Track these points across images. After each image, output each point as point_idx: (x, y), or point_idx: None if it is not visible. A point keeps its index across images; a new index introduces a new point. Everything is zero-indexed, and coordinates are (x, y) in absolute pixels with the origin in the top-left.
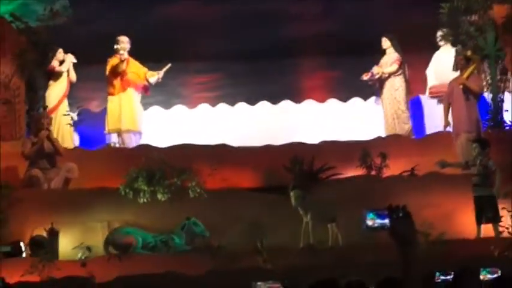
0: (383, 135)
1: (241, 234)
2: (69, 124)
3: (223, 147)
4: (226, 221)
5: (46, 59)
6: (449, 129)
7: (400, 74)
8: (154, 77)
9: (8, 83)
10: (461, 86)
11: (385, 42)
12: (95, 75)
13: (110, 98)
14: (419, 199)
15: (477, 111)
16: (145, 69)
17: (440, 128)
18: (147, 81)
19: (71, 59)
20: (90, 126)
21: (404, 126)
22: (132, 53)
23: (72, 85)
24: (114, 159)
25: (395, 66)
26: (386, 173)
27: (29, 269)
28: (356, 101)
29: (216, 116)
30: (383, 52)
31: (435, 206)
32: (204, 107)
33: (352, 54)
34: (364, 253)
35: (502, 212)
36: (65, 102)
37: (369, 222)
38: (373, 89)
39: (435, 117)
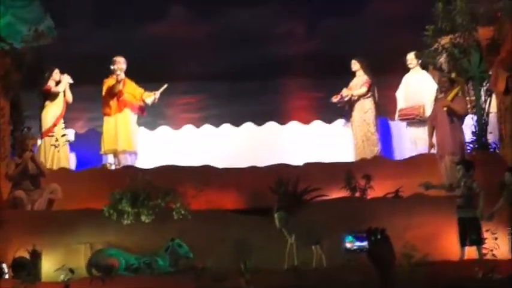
0: (354, 158)
1: (225, 256)
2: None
3: (207, 168)
4: (211, 243)
5: (33, 79)
6: (434, 151)
7: (369, 97)
8: (151, 97)
9: None
10: (445, 108)
11: (355, 65)
12: (80, 96)
13: (106, 118)
14: (404, 221)
15: (461, 133)
16: (141, 90)
17: (410, 150)
18: (143, 101)
19: (67, 79)
20: (75, 148)
21: (374, 149)
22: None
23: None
24: (98, 181)
25: (364, 89)
26: (371, 194)
27: None
28: (341, 122)
29: (201, 137)
30: (353, 74)
31: (419, 228)
32: (189, 128)
33: (338, 75)
34: (348, 274)
35: (486, 234)
36: (61, 122)
37: (348, 245)
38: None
39: (404, 140)
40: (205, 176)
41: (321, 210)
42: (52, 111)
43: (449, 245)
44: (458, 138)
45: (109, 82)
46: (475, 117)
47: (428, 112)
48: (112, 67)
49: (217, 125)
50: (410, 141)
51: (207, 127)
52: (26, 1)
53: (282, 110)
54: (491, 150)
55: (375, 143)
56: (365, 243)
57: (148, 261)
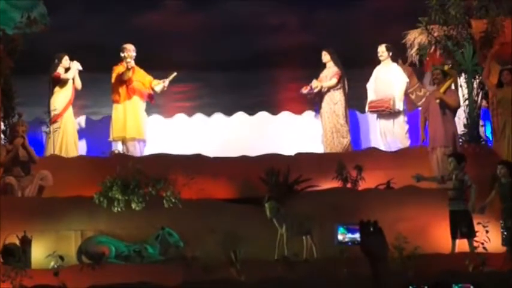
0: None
1: (215, 245)
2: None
3: (198, 157)
4: (201, 232)
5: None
6: (425, 143)
7: (339, 88)
8: (160, 85)
9: None
10: (437, 101)
11: (325, 56)
12: None
13: (115, 105)
14: (395, 212)
15: (454, 126)
16: (150, 78)
17: (378, 143)
18: (152, 89)
19: (76, 66)
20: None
21: (343, 141)
22: (110, 61)
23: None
24: (89, 168)
25: (334, 80)
26: (362, 185)
27: (1, 277)
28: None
29: (193, 126)
30: (323, 66)
31: (410, 220)
32: (181, 116)
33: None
34: (339, 266)
35: (477, 227)
36: (70, 109)
37: (340, 237)
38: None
39: (374, 132)
40: (197, 165)
41: (312, 200)
42: (61, 98)
43: (440, 237)
44: (450, 130)
45: (118, 69)
46: (467, 110)
47: (397, 105)
48: (122, 54)
49: (209, 114)
50: (380, 134)
51: (199, 116)
52: None
53: (273, 100)
54: (483, 143)
55: (344, 135)
56: (357, 235)
57: (139, 249)
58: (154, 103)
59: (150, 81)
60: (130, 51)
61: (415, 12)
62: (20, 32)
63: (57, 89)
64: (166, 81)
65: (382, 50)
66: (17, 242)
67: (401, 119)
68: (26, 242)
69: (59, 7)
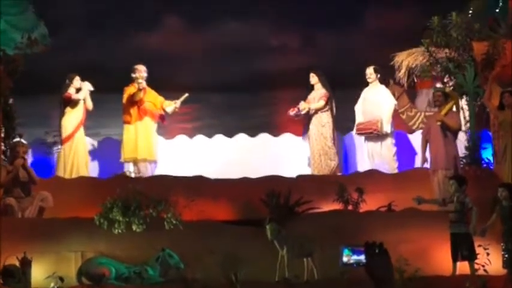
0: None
1: (216, 267)
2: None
3: (199, 179)
4: (201, 253)
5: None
6: (427, 165)
7: (327, 110)
8: (171, 106)
9: None
10: (439, 123)
11: (313, 78)
12: None
13: (126, 126)
14: (396, 235)
15: (455, 148)
16: (161, 99)
17: (367, 165)
18: (164, 110)
19: (88, 86)
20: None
21: (331, 163)
22: (112, 82)
23: (50, 114)
24: (89, 189)
25: (322, 102)
26: (363, 208)
27: None
28: None
29: (194, 148)
30: (311, 87)
31: (411, 242)
32: (182, 138)
33: (333, 87)
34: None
35: (478, 250)
36: (81, 130)
37: (345, 259)
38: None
39: (362, 154)
40: (197, 187)
41: (313, 222)
42: (72, 118)
43: (441, 260)
44: (451, 153)
45: (130, 90)
46: (469, 133)
47: (385, 127)
48: (133, 75)
49: (210, 135)
50: (368, 156)
51: (200, 137)
52: (20, 9)
53: (275, 122)
54: (484, 165)
55: (332, 157)
56: (362, 257)
57: (139, 271)
58: (166, 124)
59: (161, 102)
60: (141, 72)
61: (417, 33)
62: (20, 52)
63: (68, 109)
64: (178, 102)
65: (370, 71)
66: (17, 263)
67: (389, 141)
68: (26, 263)
69: (59, 27)
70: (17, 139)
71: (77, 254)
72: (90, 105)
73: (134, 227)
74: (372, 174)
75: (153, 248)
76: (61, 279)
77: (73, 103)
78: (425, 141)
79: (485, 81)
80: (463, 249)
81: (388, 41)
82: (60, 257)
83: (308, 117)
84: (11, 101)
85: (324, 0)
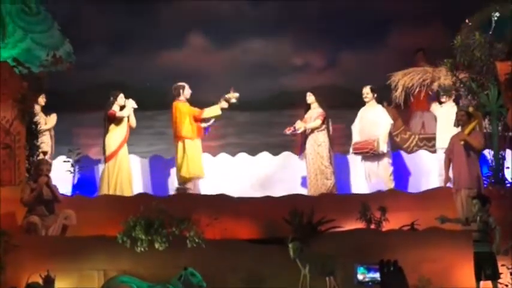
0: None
1: (238, 285)
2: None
3: (222, 197)
4: (224, 272)
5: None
6: (450, 184)
7: (323, 130)
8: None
9: (9, 128)
10: (462, 142)
11: (310, 97)
12: (94, 121)
13: (188, 142)
14: (419, 254)
15: (478, 168)
16: (197, 110)
17: (363, 186)
18: (201, 121)
19: (131, 104)
20: (89, 172)
21: (327, 182)
22: (134, 99)
23: (73, 132)
24: (112, 207)
25: (318, 122)
26: (386, 226)
27: None
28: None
29: (217, 166)
30: (308, 107)
31: (434, 261)
32: (205, 156)
33: (355, 107)
34: None
35: (502, 269)
36: (125, 147)
37: (360, 277)
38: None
39: (360, 174)
40: (220, 205)
41: (336, 241)
42: (115, 136)
43: (464, 279)
44: (474, 172)
45: (183, 106)
46: (492, 152)
47: (382, 146)
48: (181, 91)
49: (233, 154)
50: (365, 176)
51: (223, 156)
52: (45, 26)
53: (298, 141)
54: (508, 185)
55: (329, 176)
56: (377, 275)
57: None
58: (208, 133)
59: (198, 115)
60: (187, 89)
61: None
62: (45, 70)
63: (112, 126)
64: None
65: (366, 91)
66: (40, 281)
67: (386, 161)
68: (49, 281)
69: (85, 45)
70: (41, 157)
71: (100, 272)
72: (133, 122)
73: (157, 245)
74: (395, 193)
75: (175, 266)
76: None
77: (117, 120)
78: (448, 161)
79: (509, 101)
80: (486, 268)
81: (410, 60)
82: (83, 275)
83: (304, 136)
84: (36, 118)
85: (348, 20)
